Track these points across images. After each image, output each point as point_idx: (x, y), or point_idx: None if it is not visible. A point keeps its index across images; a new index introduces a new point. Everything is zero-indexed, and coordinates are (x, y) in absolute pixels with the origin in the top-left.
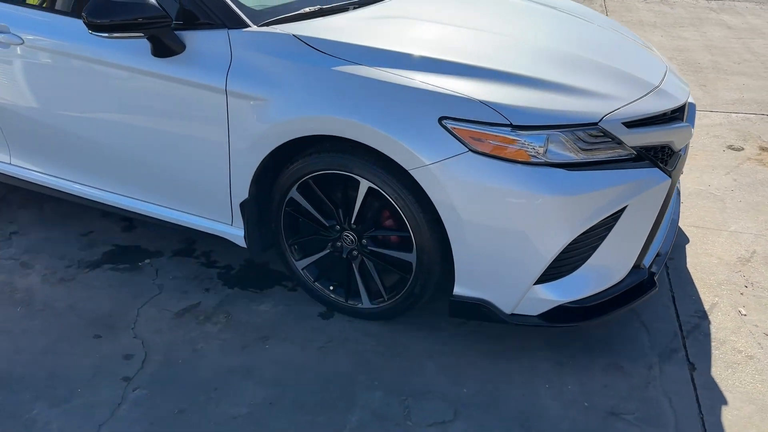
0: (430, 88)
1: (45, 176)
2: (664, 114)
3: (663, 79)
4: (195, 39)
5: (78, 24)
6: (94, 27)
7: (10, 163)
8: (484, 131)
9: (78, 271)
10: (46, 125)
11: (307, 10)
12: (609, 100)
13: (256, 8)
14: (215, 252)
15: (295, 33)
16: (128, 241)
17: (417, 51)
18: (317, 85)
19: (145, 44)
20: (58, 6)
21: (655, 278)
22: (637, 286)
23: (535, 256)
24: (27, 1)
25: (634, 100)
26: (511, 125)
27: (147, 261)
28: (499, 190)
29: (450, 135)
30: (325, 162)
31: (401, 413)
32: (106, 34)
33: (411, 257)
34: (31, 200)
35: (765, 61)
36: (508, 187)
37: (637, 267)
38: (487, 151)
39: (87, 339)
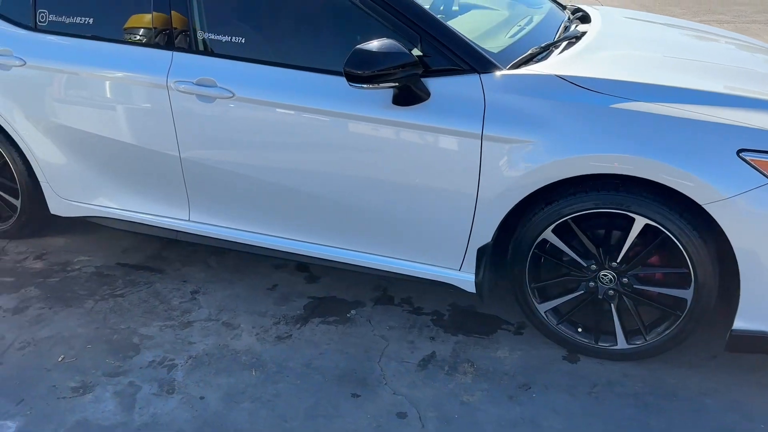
0: (724, 121)
1: (232, 231)
2: None
3: None
4: (442, 85)
5: (289, 74)
6: (355, 78)
7: (188, 220)
8: None
9: (290, 328)
10: (244, 178)
11: (535, 49)
12: None
13: (494, 50)
14: (414, 298)
15: (557, 73)
16: (320, 292)
17: (684, 84)
18: (595, 124)
19: (372, 93)
20: (263, 57)
21: None
22: None
23: None
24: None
25: None
26: None
27: (353, 312)
28: None
29: (750, 167)
30: (595, 201)
31: None
32: (366, 85)
33: (687, 294)
34: (189, 255)
35: None
36: None
37: None
38: None
39: (347, 399)
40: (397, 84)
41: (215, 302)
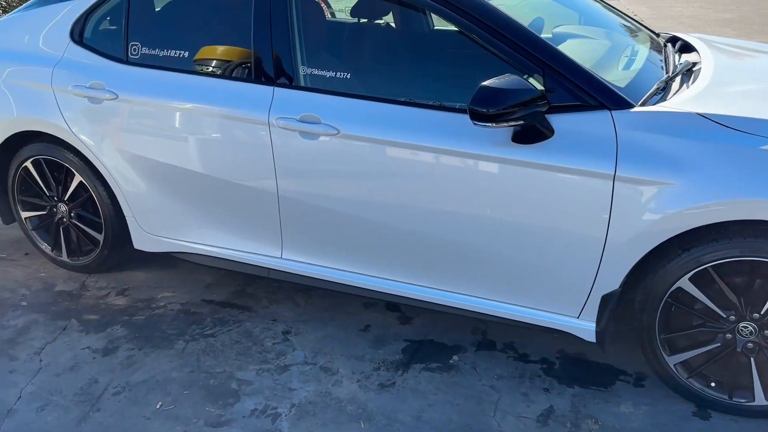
0: None
1: (328, 270)
2: None
3: None
4: (568, 121)
5: (398, 110)
6: (480, 117)
7: (280, 257)
8: None
9: (392, 375)
10: (346, 216)
11: (660, 83)
12: None
13: (618, 84)
14: (517, 343)
15: (697, 111)
16: (417, 335)
17: None
18: (743, 167)
19: (491, 130)
20: (370, 93)
21: None
22: None
23: None
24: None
25: None
26: None
27: (455, 358)
28: None
29: None
30: (740, 248)
31: None
32: (491, 124)
33: None
34: (275, 291)
35: None
36: None
37: None
38: None
39: None
40: (522, 122)
41: (309, 344)
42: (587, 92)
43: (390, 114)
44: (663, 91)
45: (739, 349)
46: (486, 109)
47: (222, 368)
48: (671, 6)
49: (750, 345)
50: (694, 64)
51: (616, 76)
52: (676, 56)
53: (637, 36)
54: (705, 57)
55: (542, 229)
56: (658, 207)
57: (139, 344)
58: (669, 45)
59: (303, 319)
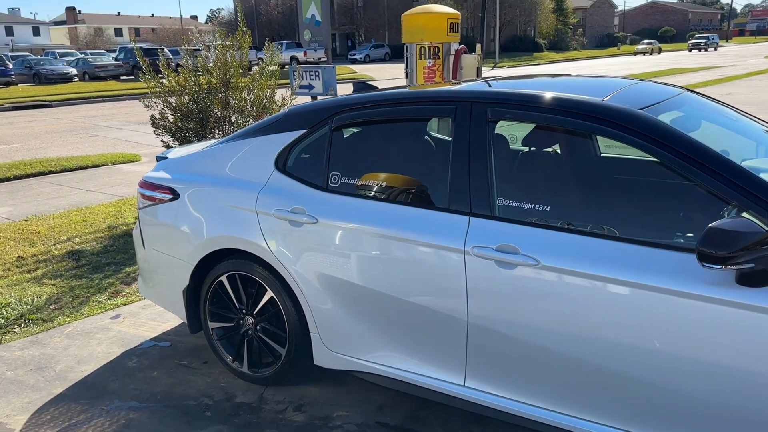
0: None
1: (509, 401)
2: None
3: None
4: None
5: (603, 244)
6: (709, 259)
7: (463, 385)
8: None
9: None
10: (540, 348)
11: None
12: None
13: None
14: None
15: None
16: None
17: None
18: None
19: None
20: (572, 225)
21: None
22: None
23: None
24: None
25: None
26: None
27: None
28: None
29: None
30: None
31: None
32: (720, 266)
33: None
34: (448, 418)
35: None
36: None
37: None
38: None
39: None
40: (752, 264)
41: None
42: None
43: (594, 247)
44: None
45: None
46: (715, 250)
47: None
48: None
49: None
50: None
51: None
52: None
53: None
54: None
55: (749, 375)
56: None
57: None
58: None
59: None
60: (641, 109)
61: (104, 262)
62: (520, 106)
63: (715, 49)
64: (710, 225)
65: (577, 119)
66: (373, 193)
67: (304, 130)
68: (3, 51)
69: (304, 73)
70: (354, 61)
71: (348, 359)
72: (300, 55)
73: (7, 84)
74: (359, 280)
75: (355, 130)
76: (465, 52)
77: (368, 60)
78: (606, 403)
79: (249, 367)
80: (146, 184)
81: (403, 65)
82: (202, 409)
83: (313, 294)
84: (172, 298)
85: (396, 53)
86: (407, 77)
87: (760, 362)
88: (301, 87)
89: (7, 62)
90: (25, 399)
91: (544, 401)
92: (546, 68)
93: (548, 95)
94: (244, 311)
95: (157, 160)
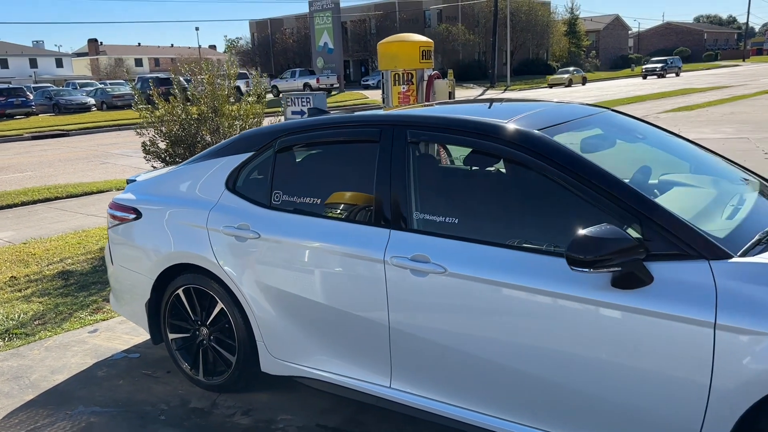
0: None
1: (433, 402)
2: None
3: None
4: (665, 270)
5: (502, 253)
6: (577, 263)
7: (389, 387)
8: None
9: None
10: (451, 350)
11: (762, 234)
12: None
13: (718, 234)
14: None
15: None
16: None
17: None
18: None
19: (591, 275)
20: (476, 236)
21: None
22: None
23: None
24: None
25: None
26: None
27: None
28: None
29: None
30: None
31: None
32: (588, 270)
33: None
34: (382, 420)
35: None
36: None
37: None
38: None
39: None
40: (619, 268)
41: None
42: (685, 242)
43: (495, 256)
44: None
45: None
46: (582, 255)
47: None
48: None
49: None
50: None
51: (717, 226)
52: None
53: (747, 184)
54: None
55: (641, 373)
56: (758, 358)
57: None
58: None
59: None
60: (540, 129)
61: (91, 281)
62: (433, 128)
63: (677, 75)
64: (578, 232)
65: (476, 138)
66: (309, 210)
67: (252, 152)
68: (27, 82)
69: (296, 99)
70: (367, 87)
71: (290, 365)
72: (313, 81)
73: (28, 114)
74: (296, 291)
75: (296, 152)
76: (438, 78)
77: (381, 85)
78: (517, 402)
79: (204, 375)
80: (114, 206)
81: None
82: (157, 413)
83: (257, 305)
84: (138, 312)
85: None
86: (384, 102)
87: (632, 358)
88: (293, 113)
89: (28, 93)
90: None
91: (464, 401)
92: (549, 91)
93: (456, 118)
94: (199, 322)
95: (128, 183)
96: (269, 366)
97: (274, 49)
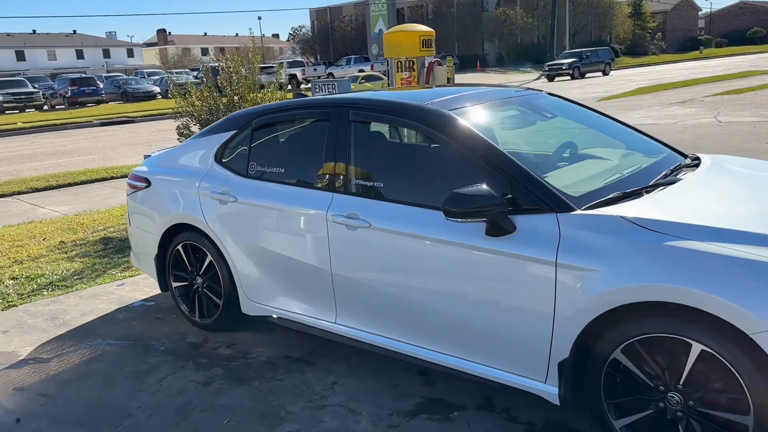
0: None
1: (364, 333)
2: None
3: None
4: (525, 221)
5: (407, 210)
6: (451, 214)
7: (335, 323)
8: None
9: (400, 420)
10: (381, 293)
11: (618, 193)
12: None
13: (574, 194)
14: (514, 408)
15: (621, 214)
16: (433, 395)
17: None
18: (652, 259)
19: (471, 225)
20: (391, 197)
21: None
22: None
23: None
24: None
25: None
26: None
27: (456, 413)
28: None
29: None
30: (654, 326)
31: None
32: (460, 220)
33: (747, 420)
34: (337, 352)
35: None
36: None
37: None
38: None
39: None
40: (485, 219)
41: (348, 392)
42: (541, 199)
43: (402, 212)
44: (633, 197)
45: (669, 417)
46: (455, 208)
47: (278, 402)
48: None
49: (679, 414)
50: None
51: (587, 188)
52: (680, 173)
53: (657, 156)
54: (695, 174)
55: (509, 305)
56: (589, 288)
57: (228, 381)
58: (687, 163)
59: (350, 374)
60: (451, 109)
61: (126, 245)
62: (369, 108)
63: (606, 73)
64: (454, 190)
65: (399, 117)
66: (276, 178)
67: (235, 130)
68: (100, 72)
69: (323, 86)
70: None
71: (262, 306)
72: (367, 68)
73: (98, 102)
74: (265, 245)
75: (268, 130)
76: (438, 65)
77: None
78: (420, 329)
79: (199, 316)
80: (132, 176)
81: (470, 74)
82: (159, 345)
83: (237, 257)
84: (150, 265)
85: (465, 63)
86: (388, 87)
87: (499, 292)
88: None
89: (99, 83)
90: (35, 337)
91: (392, 333)
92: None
93: (386, 100)
94: (194, 273)
95: (144, 158)
96: (247, 308)
97: (333, 36)
